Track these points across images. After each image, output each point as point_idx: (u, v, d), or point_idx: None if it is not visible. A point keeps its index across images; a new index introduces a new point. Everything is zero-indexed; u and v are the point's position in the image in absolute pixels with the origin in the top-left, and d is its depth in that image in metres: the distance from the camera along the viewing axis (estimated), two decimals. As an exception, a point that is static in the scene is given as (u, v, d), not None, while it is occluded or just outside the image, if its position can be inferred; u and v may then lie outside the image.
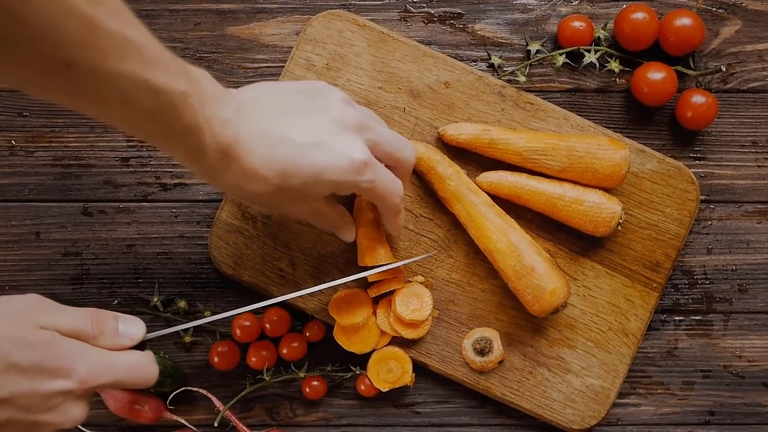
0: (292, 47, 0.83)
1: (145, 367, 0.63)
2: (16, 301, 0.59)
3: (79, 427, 0.82)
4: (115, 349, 0.62)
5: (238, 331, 0.82)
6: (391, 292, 0.81)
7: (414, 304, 0.80)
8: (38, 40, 0.50)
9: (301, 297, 0.81)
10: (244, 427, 0.81)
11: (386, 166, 0.70)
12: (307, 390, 0.83)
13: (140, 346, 0.64)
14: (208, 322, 0.83)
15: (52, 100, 0.58)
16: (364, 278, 0.81)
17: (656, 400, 0.85)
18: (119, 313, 0.64)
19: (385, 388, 0.81)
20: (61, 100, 0.57)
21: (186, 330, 0.83)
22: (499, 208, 0.80)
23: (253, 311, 0.82)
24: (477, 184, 0.80)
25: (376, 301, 0.81)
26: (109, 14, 0.52)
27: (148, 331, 0.67)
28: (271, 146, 0.64)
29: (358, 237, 0.79)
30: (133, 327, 0.64)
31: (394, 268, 0.79)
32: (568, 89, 0.85)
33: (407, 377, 0.81)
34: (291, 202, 0.68)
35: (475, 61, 0.85)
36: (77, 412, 0.59)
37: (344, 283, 0.81)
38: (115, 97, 0.55)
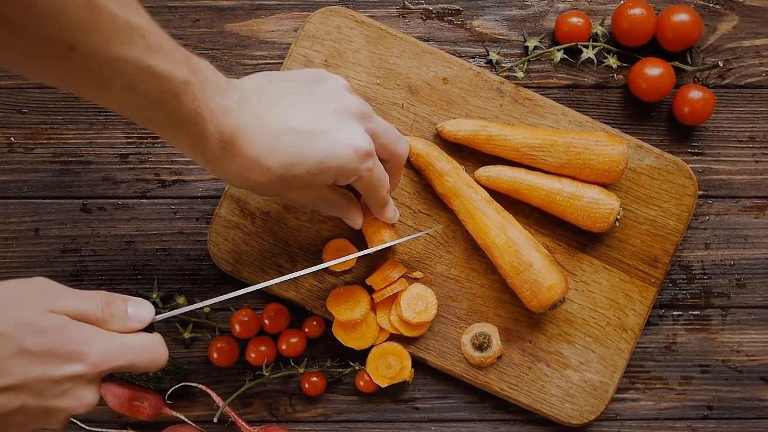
0: (291, 44, 0.84)
1: (156, 348, 0.62)
2: (24, 284, 0.58)
3: (79, 423, 0.82)
4: (124, 332, 0.61)
5: (237, 327, 0.82)
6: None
7: (419, 306, 0.80)
8: (42, 22, 0.50)
9: (299, 294, 0.81)
10: (243, 423, 0.81)
11: (379, 158, 0.71)
12: (307, 386, 0.83)
13: (148, 328, 0.63)
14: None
15: (55, 85, 0.58)
16: (364, 275, 0.81)
17: (655, 395, 0.85)
18: (128, 296, 0.63)
19: (384, 384, 0.81)
20: (64, 85, 0.57)
21: (185, 326, 0.83)
22: (497, 204, 0.80)
23: (252, 307, 0.83)
24: (475, 179, 0.80)
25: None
26: None
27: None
28: (274, 136, 0.64)
29: (364, 226, 0.79)
30: (142, 309, 0.63)
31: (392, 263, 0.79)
32: (566, 85, 0.86)
33: (406, 373, 0.81)
34: (294, 190, 0.68)
35: (473, 58, 0.86)
36: (89, 396, 0.59)
37: (340, 276, 0.81)
38: (117, 82, 0.55)
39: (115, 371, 0.60)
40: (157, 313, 0.64)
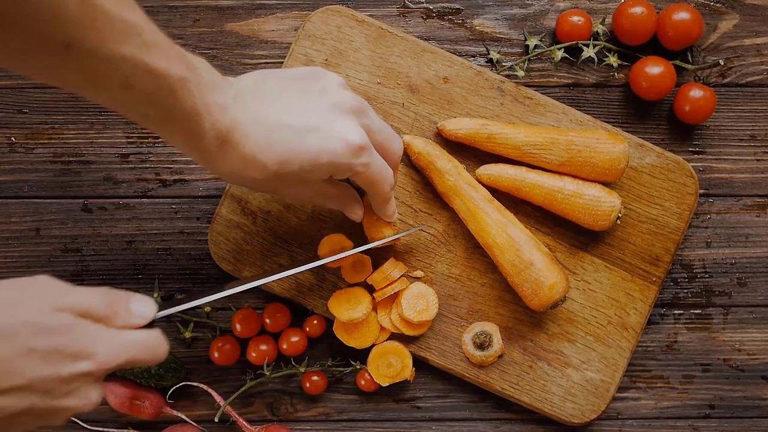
0: (291, 43, 0.84)
1: (157, 344, 0.62)
2: (27, 283, 0.57)
3: (80, 423, 0.82)
4: (127, 328, 0.61)
5: (238, 327, 0.82)
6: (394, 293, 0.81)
7: (420, 305, 0.80)
8: (38, 20, 0.50)
9: (301, 294, 0.82)
10: (244, 423, 0.81)
11: None
12: (308, 385, 0.83)
13: (148, 324, 0.63)
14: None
15: (52, 83, 0.58)
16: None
17: (656, 394, 0.85)
18: (130, 293, 0.63)
19: (385, 383, 0.81)
20: (61, 83, 0.57)
21: (186, 326, 0.83)
22: (498, 202, 0.80)
23: (253, 307, 0.83)
24: (477, 178, 0.80)
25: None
26: None
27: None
28: (269, 132, 0.64)
29: (365, 226, 0.79)
30: (145, 306, 0.63)
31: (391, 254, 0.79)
32: (566, 84, 0.86)
33: (407, 372, 0.81)
34: (291, 186, 0.69)
35: (473, 57, 0.85)
36: (95, 394, 0.58)
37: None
38: (114, 79, 0.56)
39: (120, 368, 0.60)
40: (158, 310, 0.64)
